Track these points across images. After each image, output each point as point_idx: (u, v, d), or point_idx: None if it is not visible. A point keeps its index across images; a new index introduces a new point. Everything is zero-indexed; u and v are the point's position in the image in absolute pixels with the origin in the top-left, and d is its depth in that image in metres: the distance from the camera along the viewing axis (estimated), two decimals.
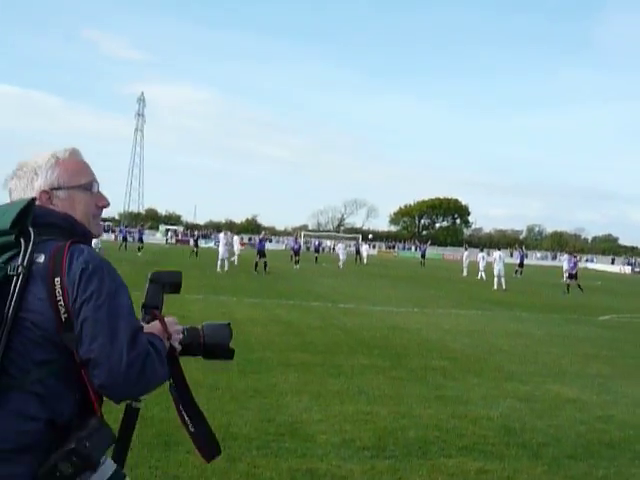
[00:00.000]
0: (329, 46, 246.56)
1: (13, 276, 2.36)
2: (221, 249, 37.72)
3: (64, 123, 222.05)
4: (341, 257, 53.43)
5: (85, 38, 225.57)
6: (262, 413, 7.86)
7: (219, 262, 36.60)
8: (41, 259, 2.42)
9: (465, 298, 28.38)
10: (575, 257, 40.44)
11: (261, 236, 42.66)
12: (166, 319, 2.66)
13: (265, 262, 38.04)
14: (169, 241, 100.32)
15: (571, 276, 36.96)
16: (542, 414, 8.71)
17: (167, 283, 2.78)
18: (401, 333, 15.70)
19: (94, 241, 3.36)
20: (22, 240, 2.43)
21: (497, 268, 36.61)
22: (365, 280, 37.45)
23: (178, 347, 2.69)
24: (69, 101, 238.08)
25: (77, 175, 2.69)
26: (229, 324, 2.89)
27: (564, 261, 41.08)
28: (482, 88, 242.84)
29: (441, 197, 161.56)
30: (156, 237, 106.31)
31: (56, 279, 2.38)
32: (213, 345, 2.83)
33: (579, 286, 36.37)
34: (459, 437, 7.42)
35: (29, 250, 2.40)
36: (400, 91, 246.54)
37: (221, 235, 40.28)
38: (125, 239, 63.34)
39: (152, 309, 2.69)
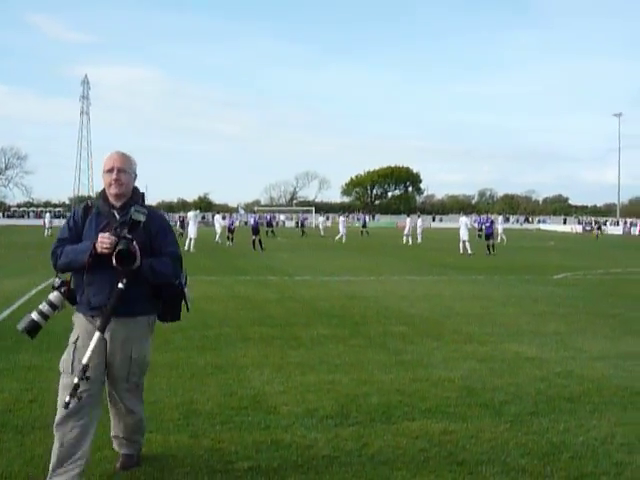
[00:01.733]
0: (275, 22, 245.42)
1: None
2: (191, 228, 37.56)
3: (8, 109, 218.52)
4: (341, 230, 52.42)
5: (26, 22, 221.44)
6: (224, 388, 7.80)
7: (188, 241, 36.43)
8: None
9: (420, 264, 28.54)
10: (489, 218, 40.56)
11: (256, 215, 43.58)
12: (101, 235, 4.79)
13: (260, 239, 38.58)
14: None
15: (487, 237, 37.32)
16: (502, 373, 8.77)
17: None
18: (358, 302, 15.73)
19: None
20: None
21: (462, 233, 36.93)
22: (320, 252, 37.49)
23: (99, 250, 4.77)
24: (12, 86, 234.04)
25: (105, 165, 5.08)
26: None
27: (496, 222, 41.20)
28: (427, 56, 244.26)
29: (392, 166, 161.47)
30: None
31: None
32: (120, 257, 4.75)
33: (488, 247, 36.85)
34: (421, 400, 7.44)
35: None
36: (346, 63, 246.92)
37: (190, 214, 39.77)
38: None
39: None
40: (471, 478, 5.27)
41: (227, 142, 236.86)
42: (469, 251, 35.77)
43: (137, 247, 4.78)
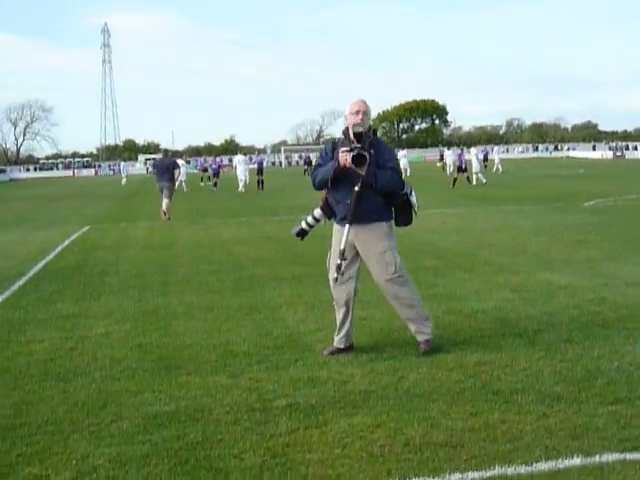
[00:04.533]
0: None
1: None
2: (240, 170, 39.36)
3: (29, 62, 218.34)
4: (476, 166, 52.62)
5: None
6: (259, 328, 7.89)
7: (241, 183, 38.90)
8: None
9: (450, 197, 28.42)
10: (461, 150, 40.39)
11: (260, 156, 46.72)
12: (340, 150, 6.37)
13: (262, 180, 39.88)
14: (150, 170, 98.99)
15: (459, 169, 37.12)
16: (535, 303, 8.77)
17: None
18: None
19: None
20: None
21: (474, 165, 37.03)
22: None
23: (341, 162, 6.33)
24: (31, 39, 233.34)
25: (351, 108, 6.55)
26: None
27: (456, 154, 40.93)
28: None
29: (418, 99, 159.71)
30: (136, 167, 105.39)
31: None
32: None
33: (468, 179, 36.99)
34: (455, 332, 7.48)
35: None
36: None
37: (240, 157, 41.46)
38: (205, 170, 55.64)
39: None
40: (506, 407, 5.31)
41: (249, 84, 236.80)
42: (483, 180, 36.30)
43: (366, 153, 6.25)
